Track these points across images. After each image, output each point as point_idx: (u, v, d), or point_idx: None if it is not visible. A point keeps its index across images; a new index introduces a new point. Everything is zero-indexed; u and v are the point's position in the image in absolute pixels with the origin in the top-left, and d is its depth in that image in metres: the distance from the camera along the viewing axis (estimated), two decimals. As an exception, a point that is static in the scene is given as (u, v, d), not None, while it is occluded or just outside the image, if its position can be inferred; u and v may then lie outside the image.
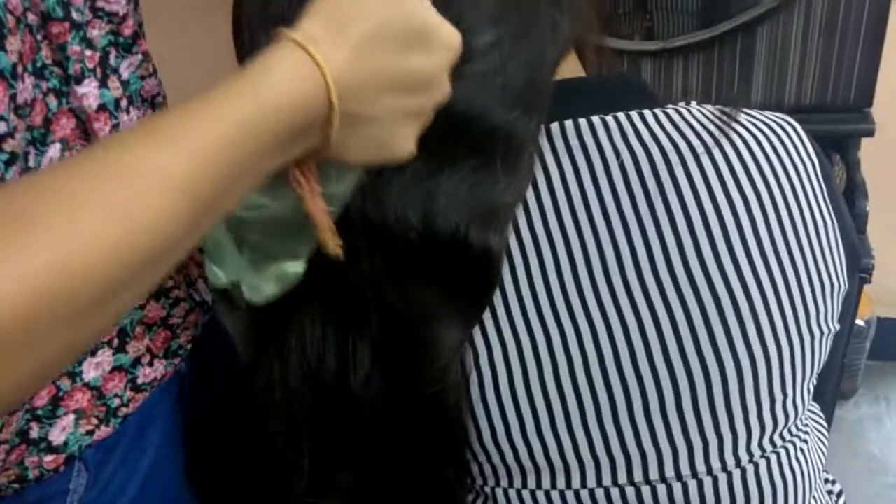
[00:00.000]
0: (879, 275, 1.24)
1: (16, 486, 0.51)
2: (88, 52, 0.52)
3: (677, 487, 0.51)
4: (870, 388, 1.62)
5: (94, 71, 0.53)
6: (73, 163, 0.33)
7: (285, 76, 0.35)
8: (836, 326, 0.55)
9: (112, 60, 0.55)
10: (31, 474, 0.51)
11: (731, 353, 0.50)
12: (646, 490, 0.52)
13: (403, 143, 0.42)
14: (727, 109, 0.53)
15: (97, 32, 0.53)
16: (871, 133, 1.15)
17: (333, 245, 0.43)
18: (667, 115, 0.52)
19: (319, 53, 0.35)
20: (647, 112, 0.53)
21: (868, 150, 1.21)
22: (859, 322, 1.49)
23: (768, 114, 0.55)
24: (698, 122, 0.52)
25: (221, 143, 0.33)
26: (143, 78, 0.59)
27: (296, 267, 0.48)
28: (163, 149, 0.32)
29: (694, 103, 0.54)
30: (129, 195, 0.31)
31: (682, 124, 0.52)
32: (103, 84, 0.53)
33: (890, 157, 1.43)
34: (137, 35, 0.58)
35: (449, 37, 0.42)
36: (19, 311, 0.27)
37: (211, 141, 0.33)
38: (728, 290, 0.49)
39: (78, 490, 0.54)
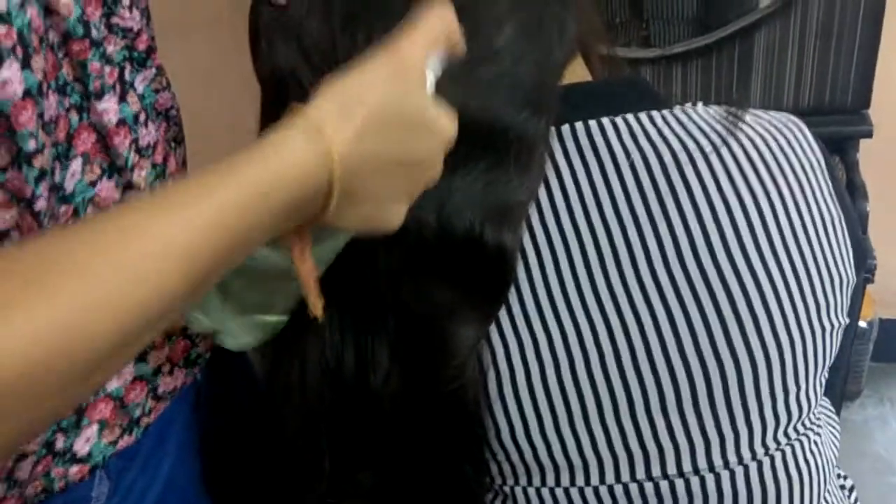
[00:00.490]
0: (881, 276, 1.25)
1: (42, 496, 0.52)
2: (107, 69, 0.53)
3: (695, 482, 0.52)
4: (874, 390, 1.63)
5: (112, 87, 0.54)
6: (80, 226, 0.35)
7: (293, 155, 0.37)
8: (845, 320, 0.55)
9: (127, 75, 0.56)
10: (57, 485, 0.52)
11: (745, 348, 0.50)
12: (664, 485, 0.52)
13: (394, 217, 0.44)
14: (733, 109, 0.54)
15: (113, 48, 0.54)
16: (869, 134, 1.17)
17: (316, 305, 0.44)
18: (674, 115, 0.53)
19: (328, 135, 0.38)
20: (654, 113, 0.54)
21: (866, 152, 1.22)
22: (862, 324, 1.50)
23: (773, 113, 0.56)
24: (705, 122, 0.53)
25: (228, 212, 0.35)
26: (157, 91, 0.59)
27: (276, 318, 0.50)
28: (169, 218, 0.34)
29: (700, 104, 0.55)
30: (132, 261, 0.32)
31: (689, 124, 0.53)
32: (122, 99, 0.54)
33: (888, 158, 1.44)
34: (151, 49, 0.59)
35: (446, 123, 0.44)
36: (20, 366, 0.29)
37: (216, 213, 0.35)
38: (740, 286, 0.50)
39: (100, 498, 0.54)
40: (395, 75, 0.41)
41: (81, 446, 0.53)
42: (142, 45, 0.57)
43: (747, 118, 0.54)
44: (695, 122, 0.53)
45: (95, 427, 0.53)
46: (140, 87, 0.57)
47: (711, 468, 0.52)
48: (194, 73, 1.84)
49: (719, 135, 0.52)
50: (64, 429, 0.52)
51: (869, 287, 1.22)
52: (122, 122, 0.54)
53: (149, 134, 0.57)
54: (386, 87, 0.40)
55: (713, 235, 0.50)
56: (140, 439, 0.56)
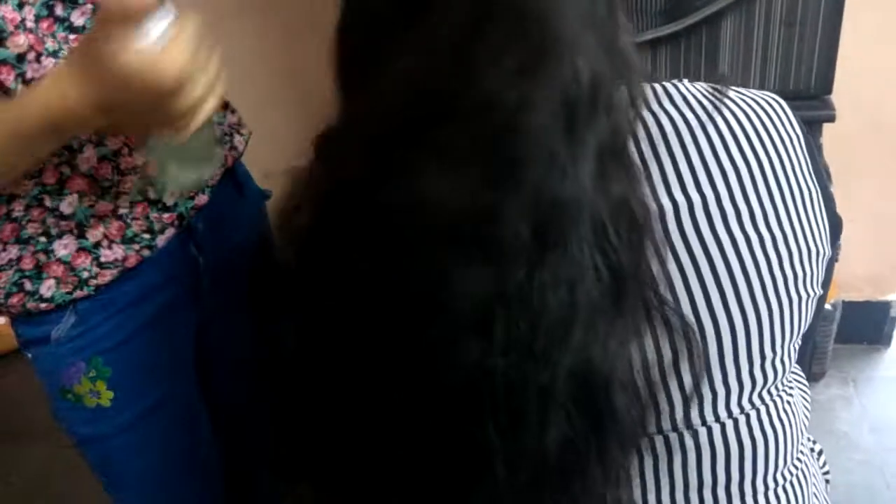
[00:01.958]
0: (842, 259, 1.29)
1: (24, 316, 0.75)
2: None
3: (674, 438, 0.53)
4: (838, 370, 1.67)
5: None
6: None
7: (40, 100, 0.57)
8: (819, 290, 0.57)
9: (60, 12, 0.66)
10: (34, 310, 0.74)
11: (726, 313, 0.52)
12: (643, 441, 0.54)
13: (149, 133, 0.63)
14: (718, 86, 0.56)
15: None
16: (831, 119, 1.20)
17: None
18: (665, 88, 0.55)
19: (66, 87, 0.56)
20: (650, 85, 0.55)
21: (829, 138, 1.26)
22: (826, 306, 1.54)
23: (756, 91, 0.58)
24: (693, 96, 0.55)
25: (12, 124, 0.58)
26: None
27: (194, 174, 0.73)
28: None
29: (686, 80, 0.57)
30: None
31: (677, 98, 0.55)
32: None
33: (850, 143, 1.49)
34: None
35: (159, 78, 0.55)
36: None
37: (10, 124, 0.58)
38: (721, 254, 0.52)
39: (66, 324, 0.75)
40: (107, 37, 0.53)
41: (45, 291, 0.74)
42: None
43: (731, 94, 0.56)
44: (683, 97, 0.55)
45: (53, 281, 0.74)
46: (79, 21, 0.67)
47: (689, 426, 0.54)
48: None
49: (705, 110, 0.54)
50: (29, 277, 0.73)
51: (832, 270, 1.26)
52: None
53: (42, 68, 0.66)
54: (100, 45, 0.53)
55: (696, 205, 0.52)
56: (110, 296, 0.76)
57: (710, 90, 0.55)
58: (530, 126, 0.45)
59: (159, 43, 0.54)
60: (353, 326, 0.50)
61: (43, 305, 0.73)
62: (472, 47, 0.45)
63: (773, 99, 0.58)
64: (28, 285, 0.72)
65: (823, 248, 0.57)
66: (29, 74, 0.64)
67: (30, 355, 0.78)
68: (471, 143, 0.45)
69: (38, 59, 0.64)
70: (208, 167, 0.76)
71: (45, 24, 0.65)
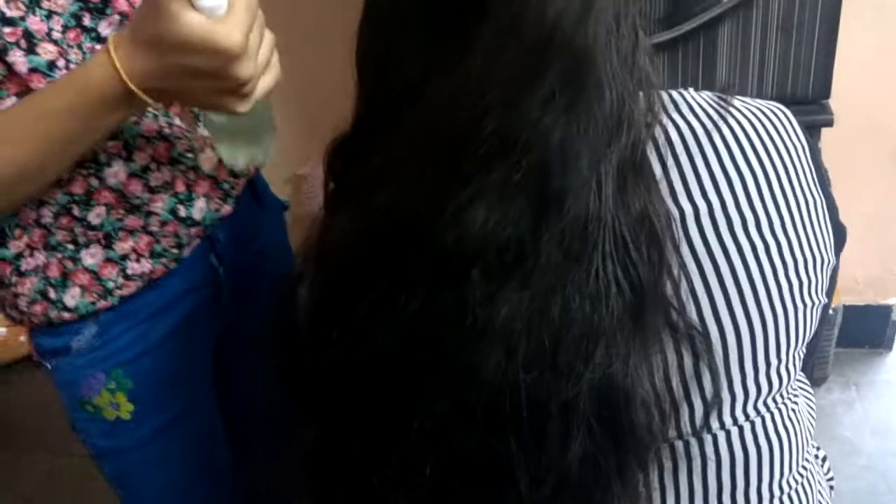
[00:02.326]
0: (843, 263, 1.29)
1: (45, 327, 0.75)
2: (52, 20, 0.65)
3: (679, 446, 0.53)
4: (840, 375, 1.67)
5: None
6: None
7: (88, 75, 0.57)
8: (824, 299, 0.58)
9: (88, 22, 0.67)
10: (56, 320, 0.74)
11: (731, 321, 0.52)
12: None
13: (211, 102, 0.60)
14: (723, 95, 0.56)
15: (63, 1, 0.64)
16: (829, 123, 1.20)
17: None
18: (671, 97, 0.56)
19: (115, 58, 0.56)
20: (658, 93, 0.55)
21: (827, 143, 1.26)
22: (827, 310, 1.54)
23: (760, 101, 0.58)
24: (698, 105, 0.55)
25: (63, 109, 0.58)
26: None
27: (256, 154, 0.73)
28: (43, 106, 0.59)
29: (691, 89, 0.57)
30: (25, 121, 0.59)
31: (684, 108, 0.55)
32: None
33: (848, 148, 1.49)
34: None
35: (223, 40, 0.54)
36: None
37: (60, 108, 0.58)
38: (727, 261, 0.52)
39: (88, 334, 0.75)
40: (159, 8, 0.53)
41: (69, 301, 0.73)
42: None
43: (736, 103, 0.56)
44: (689, 106, 0.55)
45: (78, 290, 0.73)
46: (106, 32, 0.68)
47: (695, 433, 0.54)
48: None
49: (711, 119, 0.54)
50: (54, 285, 0.72)
51: (832, 274, 1.27)
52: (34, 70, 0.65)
53: None
54: (153, 15, 0.54)
55: (703, 213, 0.52)
56: (132, 307, 0.75)
57: (716, 99, 0.56)
58: (568, 154, 0.46)
59: (221, 7, 0.54)
60: (378, 344, 0.50)
61: (66, 315, 0.73)
62: (520, 86, 0.46)
63: (779, 108, 0.58)
64: (52, 294, 0.72)
65: (828, 256, 0.57)
66: None
67: (49, 366, 0.77)
68: (519, 176, 0.46)
69: (67, 67, 0.64)
70: (262, 149, 0.73)
71: (71, 35, 0.65)
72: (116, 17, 0.68)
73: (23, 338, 1.98)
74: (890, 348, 1.73)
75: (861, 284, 1.70)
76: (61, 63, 0.64)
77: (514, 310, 0.47)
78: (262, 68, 0.59)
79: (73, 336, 0.74)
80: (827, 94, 1.20)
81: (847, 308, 1.65)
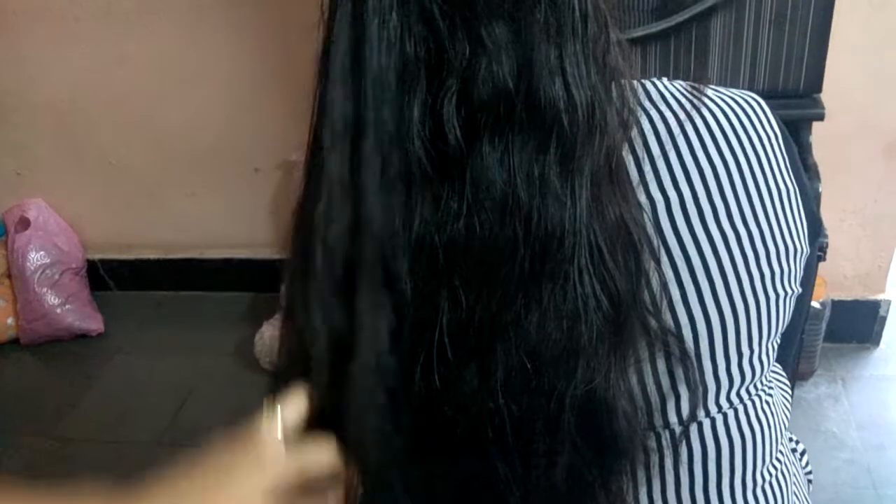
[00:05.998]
0: (831, 258, 1.30)
1: None
2: None
3: (650, 440, 0.53)
4: (827, 369, 1.68)
5: None
6: None
7: None
8: (798, 289, 0.58)
9: None
10: None
11: (703, 311, 0.52)
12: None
13: None
14: (696, 85, 0.56)
15: None
16: (821, 117, 1.20)
17: None
18: (643, 87, 0.55)
19: None
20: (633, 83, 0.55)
21: (818, 138, 1.26)
22: (815, 304, 1.54)
23: (734, 90, 0.58)
24: (672, 95, 0.55)
25: None
26: None
27: None
28: None
29: (665, 79, 0.56)
30: None
31: (656, 97, 0.54)
32: None
33: (840, 143, 1.49)
34: None
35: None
36: None
37: None
38: (698, 252, 0.52)
39: None
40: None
41: None
42: None
43: (709, 93, 0.56)
44: (661, 95, 0.55)
45: None
46: None
47: (667, 425, 0.54)
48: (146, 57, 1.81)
49: (684, 109, 0.54)
50: None
51: (820, 269, 1.26)
52: None
53: None
54: None
55: (674, 203, 0.52)
56: None
57: (689, 88, 0.55)
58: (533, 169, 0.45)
59: None
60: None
61: None
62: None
63: (752, 98, 0.58)
64: None
65: (801, 246, 0.57)
66: None
67: None
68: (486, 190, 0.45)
69: None
70: None
71: None
72: None
73: (10, 320, 1.98)
74: (877, 344, 1.74)
75: (850, 280, 1.70)
76: None
77: (486, 324, 0.46)
78: None
79: None
80: (819, 88, 1.19)
81: (836, 303, 1.65)
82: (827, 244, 1.16)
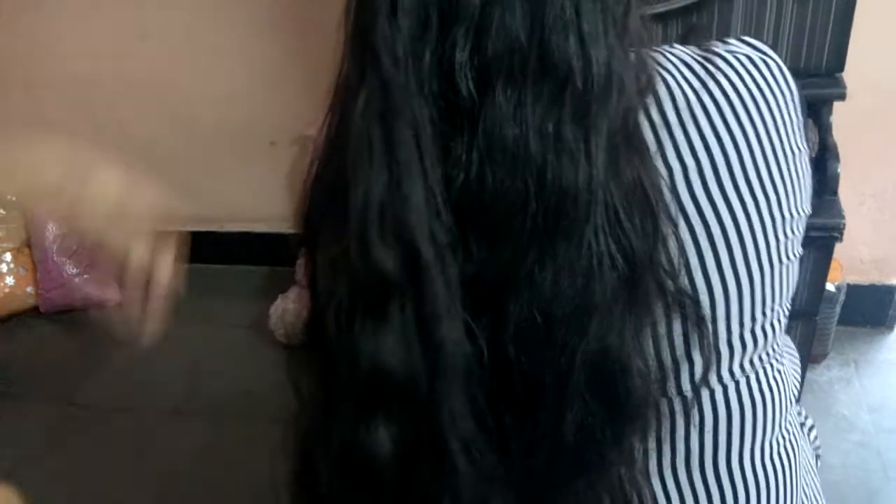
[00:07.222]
0: (849, 242, 1.28)
1: None
2: None
3: (663, 403, 0.54)
4: (839, 352, 1.67)
5: None
6: None
7: None
8: (800, 251, 0.58)
9: None
10: None
11: (720, 276, 0.52)
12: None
13: None
14: (708, 48, 0.55)
15: None
16: (842, 97, 1.19)
17: None
18: (660, 53, 0.55)
19: None
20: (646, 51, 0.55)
21: (839, 118, 1.25)
22: (830, 287, 1.53)
23: (748, 45, 0.57)
24: (684, 63, 0.55)
25: None
26: None
27: None
28: None
29: (676, 45, 0.56)
30: None
31: (670, 64, 0.54)
32: None
33: (860, 123, 1.47)
34: None
35: None
36: None
37: None
38: (717, 218, 0.52)
39: None
40: None
41: None
42: None
43: (722, 52, 0.55)
44: (672, 63, 0.55)
45: None
46: None
47: (680, 392, 0.54)
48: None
49: (697, 76, 0.54)
50: None
51: (837, 252, 1.26)
52: None
53: None
54: None
55: (692, 172, 0.52)
56: None
57: (701, 53, 0.55)
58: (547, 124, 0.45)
59: None
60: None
61: None
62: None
63: (768, 56, 0.57)
64: None
65: (805, 211, 0.58)
66: None
67: None
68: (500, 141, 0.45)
69: None
70: None
71: None
72: None
73: (30, 288, 2.00)
74: (892, 328, 1.73)
75: (866, 264, 1.69)
76: None
77: (500, 279, 0.46)
78: None
79: None
80: (841, 68, 1.18)
81: (851, 287, 1.65)
82: (844, 224, 1.15)
